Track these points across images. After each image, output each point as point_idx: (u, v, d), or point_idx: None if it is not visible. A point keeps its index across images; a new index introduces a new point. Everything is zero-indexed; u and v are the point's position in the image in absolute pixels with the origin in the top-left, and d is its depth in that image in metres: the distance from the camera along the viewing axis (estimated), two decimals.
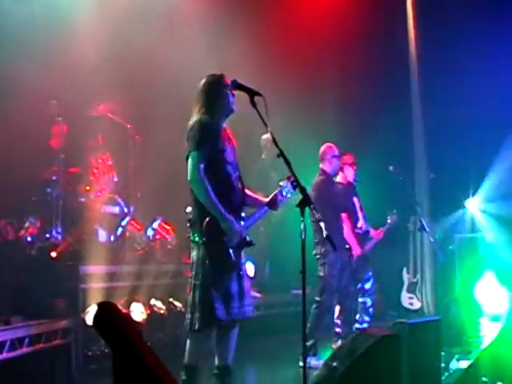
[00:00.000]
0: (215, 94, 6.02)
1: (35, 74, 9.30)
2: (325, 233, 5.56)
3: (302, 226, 5.25)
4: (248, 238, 6.01)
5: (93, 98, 10.35)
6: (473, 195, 12.34)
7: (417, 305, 11.35)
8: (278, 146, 5.36)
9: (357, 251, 9.58)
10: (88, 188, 10.06)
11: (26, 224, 9.43)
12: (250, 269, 11.38)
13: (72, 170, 10.13)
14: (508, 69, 11.60)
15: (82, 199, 9.99)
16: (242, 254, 6.07)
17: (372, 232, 10.08)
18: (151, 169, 10.02)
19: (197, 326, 5.72)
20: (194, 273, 5.91)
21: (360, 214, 9.94)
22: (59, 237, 9.52)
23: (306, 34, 12.22)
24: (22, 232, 9.39)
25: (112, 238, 10.06)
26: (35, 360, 7.63)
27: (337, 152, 9.13)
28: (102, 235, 9.82)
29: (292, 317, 8.45)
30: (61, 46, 9.94)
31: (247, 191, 6.27)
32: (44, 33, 9.75)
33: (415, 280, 11.47)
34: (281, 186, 6.22)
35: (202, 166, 5.77)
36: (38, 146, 9.89)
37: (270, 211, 6.27)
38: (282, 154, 5.36)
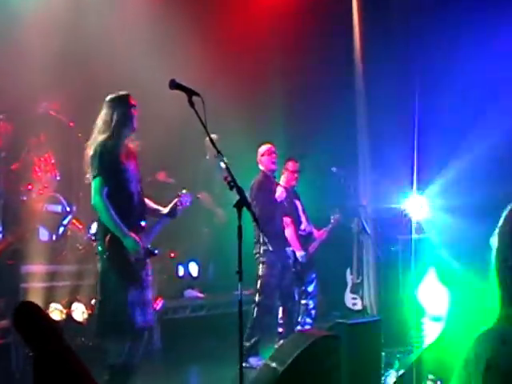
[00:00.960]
0: (118, 114, 6.36)
1: None
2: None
3: (238, 227, 5.30)
4: (151, 248, 6.46)
5: (36, 96, 10.20)
6: (415, 196, 12.42)
7: (360, 305, 11.40)
8: (215, 146, 5.44)
9: (301, 253, 9.62)
10: (30, 187, 9.92)
11: None
12: (193, 269, 11.43)
13: (13, 167, 10.00)
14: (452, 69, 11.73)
15: (24, 198, 9.86)
16: (147, 264, 6.47)
17: (315, 233, 10.13)
18: None
19: (107, 331, 6.30)
20: (99, 283, 6.34)
21: (303, 217, 9.97)
22: (0, 235, 9.40)
23: (254, 34, 12.24)
24: None
25: (54, 237, 9.96)
26: None
27: (266, 149, 9.28)
28: (44, 234, 9.74)
29: (235, 317, 8.44)
30: (5, 40, 9.82)
31: (148, 202, 6.74)
32: None
33: (359, 280, 11.51)
34: (179, 195, 6.68)
35: (105, 190, 6.21)
36: None
37: (169, 220, 6.70)
38: (219, 154, 5.40)
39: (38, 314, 2.16)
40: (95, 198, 6.22)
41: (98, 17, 10.71)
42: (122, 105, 6.38)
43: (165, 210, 6.67)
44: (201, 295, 11.32)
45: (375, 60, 12.13)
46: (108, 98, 6.45)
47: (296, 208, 9.85)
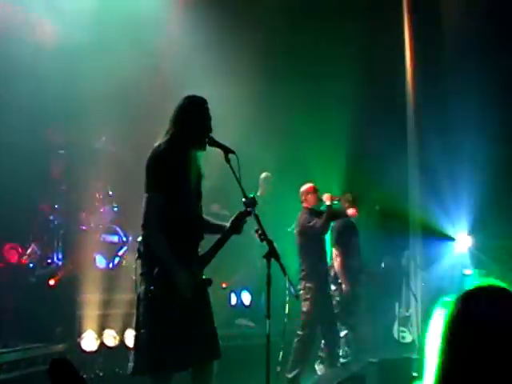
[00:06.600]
0: (191, 117, 5.53)
1: (34, 103, 9.63)
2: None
3: (267, 276, 5.41)
4: (206, 278, 5.63)
5: (95, 130, 10.55)
6: (464, 231, 12.47)
7: (408, 338, 11.53)
8: (243, 191, 5.37)
9: (346, 287, 9.79)
10: (89, 218, 10.33)
11: (29, 250, 9.74)
12: (246, 298, 11.67)
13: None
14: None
15: (83, 227, 10.25)
16: (206, 293, 5.69)
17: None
18: None
19: (141, 369, 5.37)
20: (140, 310, 5.42)
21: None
22: (60, 263, 9.82)
23: None
24: (25, 258, 9.69)
25: (110, 266, 10.33)
26: (33, 382, 7.88)
27: (312, 187, 9.36)
28: (101, 262, 10.09)
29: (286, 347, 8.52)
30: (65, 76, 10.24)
31: (207, 219, 5.87)
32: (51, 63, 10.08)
33: (408, 314, 11.66)
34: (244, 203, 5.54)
35: (157, 209, 5.34)
36: (42, 174, 10.12)
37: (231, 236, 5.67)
38: (251, 208, 5.45)
39: (68, 372, 2.45)
40: (145, 219, 5.34)
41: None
42: (196, 108, 5.53)
43: (228, 225, 5.63)
44: (251, 324, 11.57)
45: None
46: (181, 99, 5.57)
47: (350, 240, 9.96)
